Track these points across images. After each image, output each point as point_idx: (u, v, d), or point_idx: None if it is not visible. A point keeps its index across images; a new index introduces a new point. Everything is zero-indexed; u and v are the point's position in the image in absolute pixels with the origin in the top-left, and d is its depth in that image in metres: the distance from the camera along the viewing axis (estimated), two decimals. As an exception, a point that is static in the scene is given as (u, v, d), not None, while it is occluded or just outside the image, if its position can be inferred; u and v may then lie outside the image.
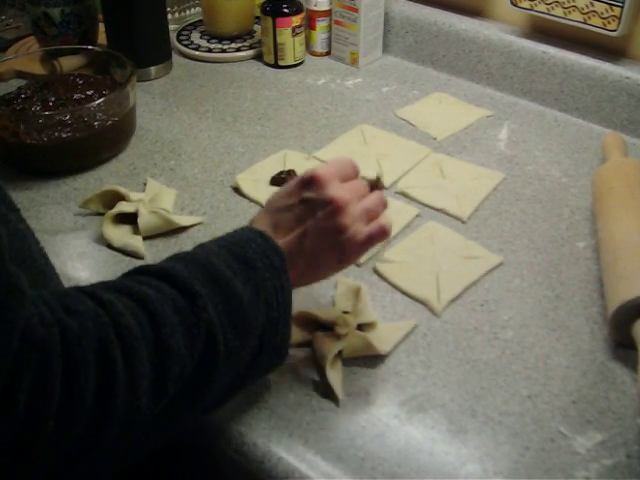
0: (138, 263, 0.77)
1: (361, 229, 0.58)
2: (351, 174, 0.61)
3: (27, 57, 1.10)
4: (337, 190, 0.58)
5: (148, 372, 0.44)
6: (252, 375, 0.56)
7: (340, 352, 0.65)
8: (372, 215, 0.60)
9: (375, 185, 0.63)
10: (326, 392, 0.63)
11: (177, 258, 0.53)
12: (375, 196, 0.61)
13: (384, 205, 0.62)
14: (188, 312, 0.47)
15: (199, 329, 0.47)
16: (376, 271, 0.76)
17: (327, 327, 0.67)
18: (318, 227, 0.57)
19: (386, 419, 0.61)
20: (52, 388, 0.39)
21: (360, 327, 0.67)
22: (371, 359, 0.66)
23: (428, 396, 0.63)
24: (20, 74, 1.08)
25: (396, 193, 0.87)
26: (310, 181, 0.58)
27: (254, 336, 0.52)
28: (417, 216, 0.83)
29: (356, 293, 0.71)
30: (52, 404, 0.38)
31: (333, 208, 0.57)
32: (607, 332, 0.68)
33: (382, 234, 0.60)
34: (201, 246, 0.55)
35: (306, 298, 0.72)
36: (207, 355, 0.48)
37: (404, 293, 0.73)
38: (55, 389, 0.39)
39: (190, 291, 0.48)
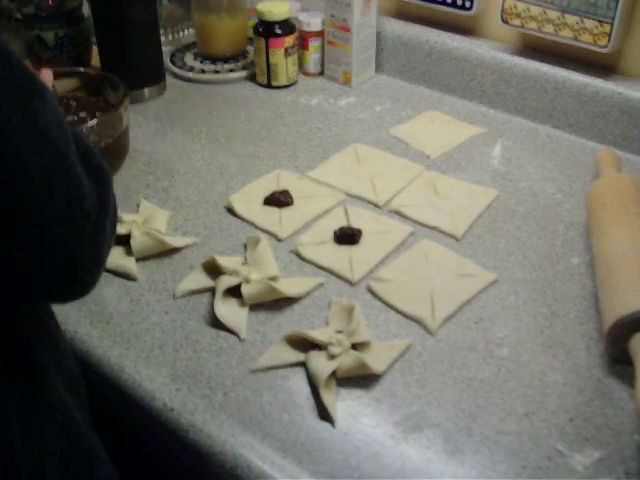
0: (131, 285, 0.77)
1: None
2: None
3: (21, 80, 1.10)
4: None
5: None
6: None
7: (334, 372, 0.64)
8: None
9: None
10: (320, 412, 0.63)
11: None
12: None
13: None
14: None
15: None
16: (370, 290, 0.75)
17: (321, 347, 0.66)
18: None
19: (381, 439, 0.60)
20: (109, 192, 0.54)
21: (354, 347, 0.67)
22: (365, 379, 0.65)
23: (423, 415, 0.62)
24: (14, 97, 1.09)
25: (390, 211, 0.87)
26: None
27: None
28: (411, 234, 0.83)
29: (350, 312, 0.70)
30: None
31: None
32: (603, 348, 0.68)
33: None
34: None
35: (299, 318, 0.72)
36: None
37: (398, 312, 0.73)
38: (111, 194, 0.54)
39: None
